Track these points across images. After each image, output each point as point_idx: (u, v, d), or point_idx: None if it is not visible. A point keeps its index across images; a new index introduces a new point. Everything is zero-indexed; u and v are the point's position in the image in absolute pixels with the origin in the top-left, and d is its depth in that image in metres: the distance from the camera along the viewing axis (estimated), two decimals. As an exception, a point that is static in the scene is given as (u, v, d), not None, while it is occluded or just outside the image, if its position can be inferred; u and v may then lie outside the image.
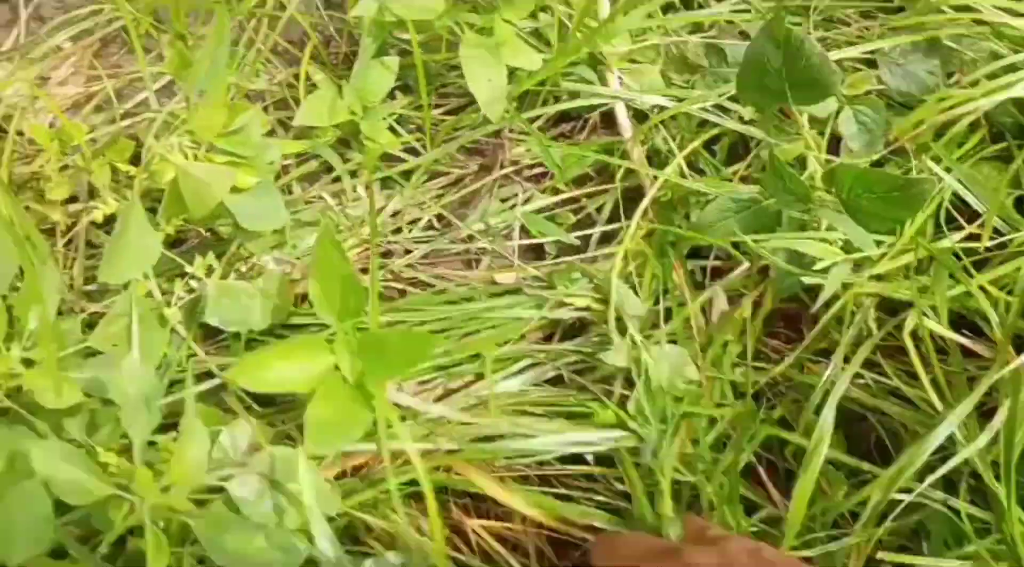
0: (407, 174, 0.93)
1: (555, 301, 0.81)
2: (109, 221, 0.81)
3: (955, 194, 0.78)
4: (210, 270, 0.74)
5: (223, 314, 0.74)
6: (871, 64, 0.89)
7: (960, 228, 0.76)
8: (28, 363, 0.64)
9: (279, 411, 0.77)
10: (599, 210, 0.91)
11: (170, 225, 0.71)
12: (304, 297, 0.86)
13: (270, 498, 0.60)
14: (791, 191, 0.66)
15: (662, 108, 0.87)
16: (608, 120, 0.94)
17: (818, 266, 0.68)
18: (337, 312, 0.66)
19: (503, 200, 0.92)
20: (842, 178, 0.65)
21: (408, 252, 0.89)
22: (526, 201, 0.91)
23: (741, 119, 0.82)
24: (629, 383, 0.76)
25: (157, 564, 0.55)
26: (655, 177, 0.83)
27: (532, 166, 0.95)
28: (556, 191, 0.92)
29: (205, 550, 0.62)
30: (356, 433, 0.63)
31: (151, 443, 0.65)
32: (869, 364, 0.74)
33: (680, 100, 0.85)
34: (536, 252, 0.91)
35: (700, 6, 0.99)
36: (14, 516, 0.55)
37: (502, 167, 0.91)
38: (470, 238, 0.89)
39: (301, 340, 0.67)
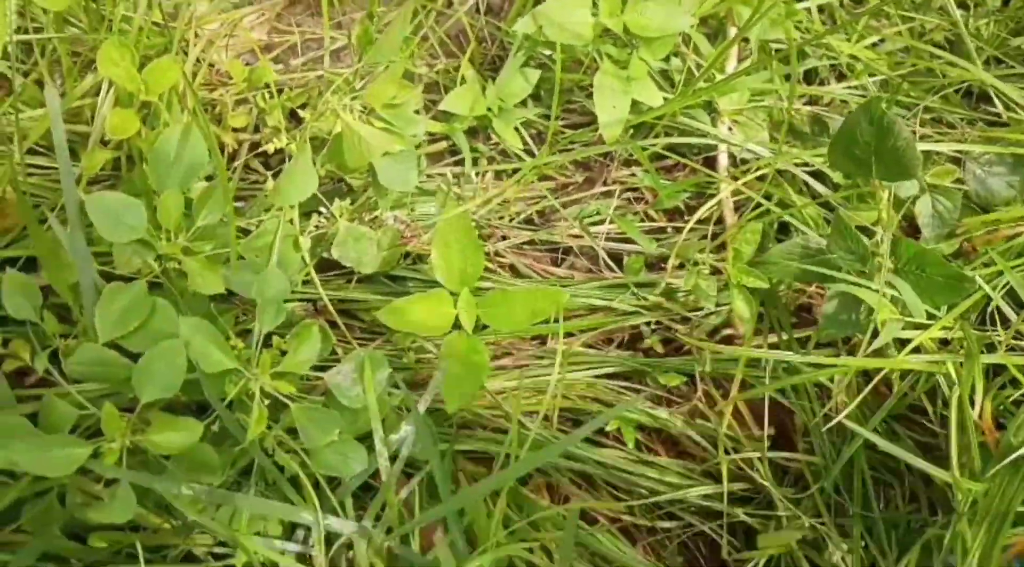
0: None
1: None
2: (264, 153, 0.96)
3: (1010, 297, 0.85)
4: (342, 212, 0.87)
5: (345, 251, 0.87)
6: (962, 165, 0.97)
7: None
8: (188, 252, 0.78)
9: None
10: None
11: (323, 169, 0.84)
12: (408, 255, 0.99)
13: (360, 386, 0.72)
14: (852, 250, 0.75)
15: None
16: (708, 165, 1.04)
17: (873, 317, 0.75)
18: (457, 277, 0.78)
19: (598, 213, 1.03)
20: (903, 250, 0.73)
21: (505, 238, 1.01)
22: (621, 216, 1.02)
23: (833, 184, 0.90)
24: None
25: (256, 429, 0.68)
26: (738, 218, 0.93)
27: (631, 189, 1.05)
28: (644, 219, 1.02)
29: (286, 435, 0.75)
30: (478, 383, 0.76)
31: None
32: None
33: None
34: (616, 264, 1.01)
35: (822, 82, 1.08)
36: (155, 364, 0.68)
37: (605, 184, 1.01)
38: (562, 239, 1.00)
39: (431, 294, 0.79)
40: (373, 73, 0.91)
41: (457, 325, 0.81)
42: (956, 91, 1.06)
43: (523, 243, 1.01)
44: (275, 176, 0.94)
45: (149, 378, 0.66)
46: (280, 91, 0.98)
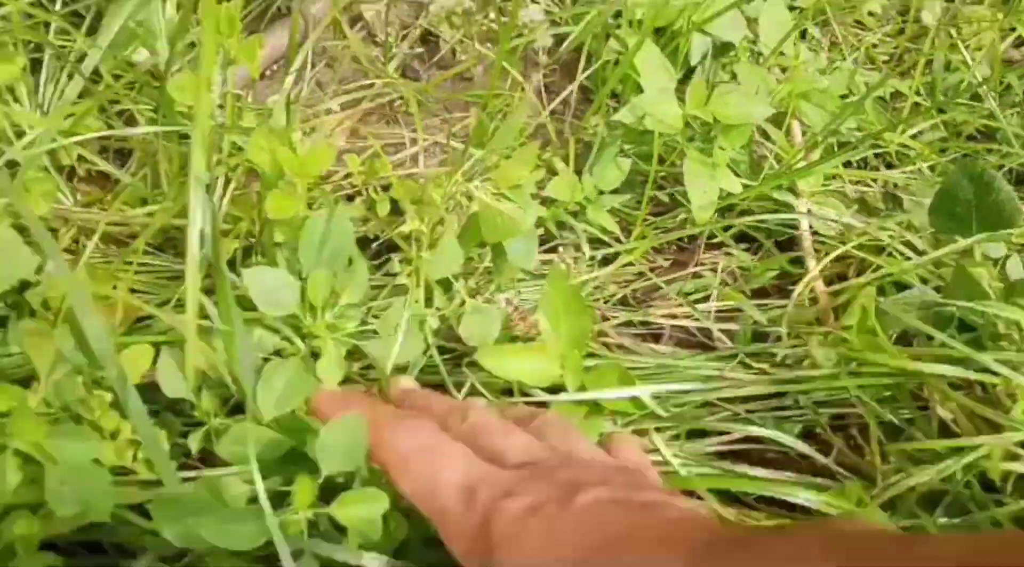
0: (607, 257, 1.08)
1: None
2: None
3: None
4: (469, 291, 0.89)
5: (471, 329, 0.87)
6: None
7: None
8: (333, 329, 0.78)
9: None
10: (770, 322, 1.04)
11: (452, 248, 0.86)
12: (514, 339, 1.00)
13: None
14: (972, 299, 0.79)
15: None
16: (787, 243, 1.09)
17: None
18: (565, 339, 0.79)
19: (688, 294, 1.06)
20: (1022, 291, 0.78)
21: (606, 319, 1.03)
22: (708, 296, 1.06)
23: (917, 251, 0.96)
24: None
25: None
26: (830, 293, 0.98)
27: (711, 271, 1.09)
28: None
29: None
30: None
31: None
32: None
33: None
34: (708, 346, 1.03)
35: (872, 169, 1.18)
36: (335, 435, 0.66)
37: (697, 266, 1.06)
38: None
39: (537, 345, 0.80)
40: (482, 162, 0.95)
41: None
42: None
43: (619, 324, 1.04)
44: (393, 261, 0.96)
45: (332, 449, 0.65)
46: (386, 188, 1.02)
